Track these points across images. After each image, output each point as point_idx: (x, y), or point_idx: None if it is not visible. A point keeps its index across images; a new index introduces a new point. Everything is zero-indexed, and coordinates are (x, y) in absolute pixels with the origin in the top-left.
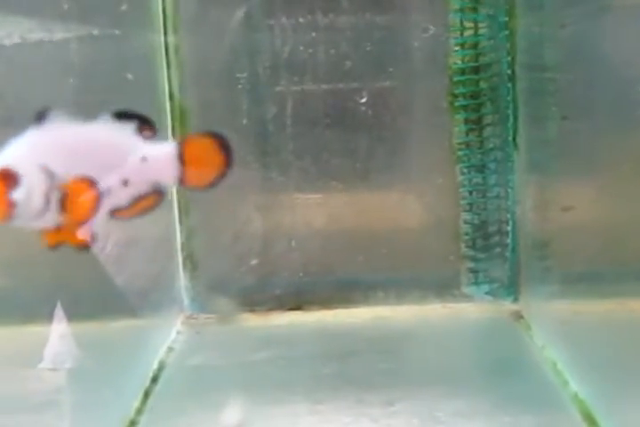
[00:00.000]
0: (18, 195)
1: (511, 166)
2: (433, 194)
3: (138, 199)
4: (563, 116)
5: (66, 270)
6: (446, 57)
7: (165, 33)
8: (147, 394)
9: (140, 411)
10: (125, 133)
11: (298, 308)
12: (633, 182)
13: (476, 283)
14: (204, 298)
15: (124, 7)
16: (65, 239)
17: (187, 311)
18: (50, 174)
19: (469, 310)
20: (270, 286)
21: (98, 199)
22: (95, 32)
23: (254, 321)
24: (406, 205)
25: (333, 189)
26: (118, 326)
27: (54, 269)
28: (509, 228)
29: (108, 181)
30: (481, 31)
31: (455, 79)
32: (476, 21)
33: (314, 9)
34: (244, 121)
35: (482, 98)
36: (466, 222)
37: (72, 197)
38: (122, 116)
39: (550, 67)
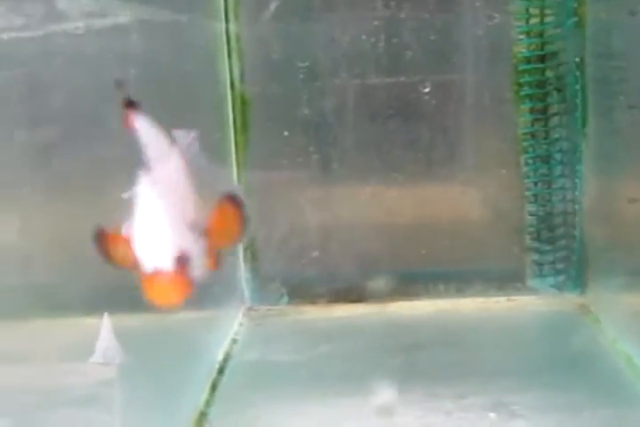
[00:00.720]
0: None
1: (579, 157)
2: (496, 185)
3: None
4: (630, 105)
5: None
6: (511, 45)
7: (227, 21)
8: (214, 386)
9: (208, 403)
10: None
11: (359, 300)
12: None
13: (541, 275)
14: (264, 290)
15: None
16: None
17: (247, 303)
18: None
19: (534, 304)
20: (331, 277)
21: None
22: (156, 19)
23: (315, 313)
24: (469, 196)
25: (394, 181)
26: (181, 318)
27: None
28: (576, 219)
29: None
30: (547, 19)
31: (520, 68)
32: (542, 8)
33: None
34: (305, 111)
35: (548, 87)
36: (531, 214)
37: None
38: None
39: (618, 55)
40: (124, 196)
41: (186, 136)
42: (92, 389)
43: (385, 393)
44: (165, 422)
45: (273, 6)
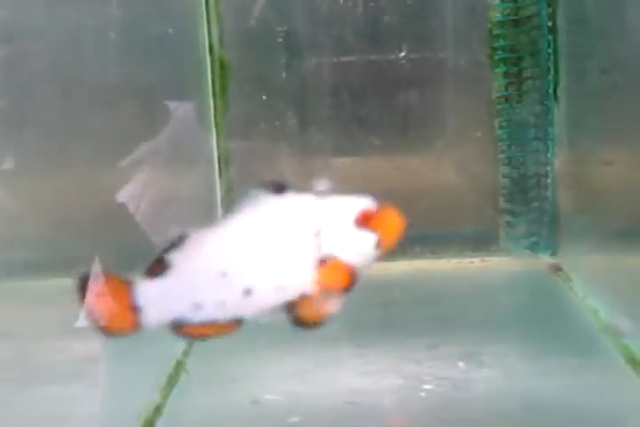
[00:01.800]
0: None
1: (551, 120)
2: (471, 148)
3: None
4: (603, 69)
5: (107, 227)
6: (486, 10)
7: None
8: None
9: (186, 352)
10: None
11: None
12: None
13: (515, 237)
14: None
15: None
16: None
17: None
18: None
19: (508, 264)
20: None
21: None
22: None
23: None
24: (445, 159)
25: (371, 145)
26: None
27: (97, 225)
28: (549, 181)
29: None
30: None
31: (495, 32)
32: None
33: None
34: (283, 75)
35: (521, 51)
36: (504, 176)
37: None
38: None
39: (591, 19)
40: (122, 164)
41: (182, 108)
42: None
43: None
44: (142, 371)
45: None
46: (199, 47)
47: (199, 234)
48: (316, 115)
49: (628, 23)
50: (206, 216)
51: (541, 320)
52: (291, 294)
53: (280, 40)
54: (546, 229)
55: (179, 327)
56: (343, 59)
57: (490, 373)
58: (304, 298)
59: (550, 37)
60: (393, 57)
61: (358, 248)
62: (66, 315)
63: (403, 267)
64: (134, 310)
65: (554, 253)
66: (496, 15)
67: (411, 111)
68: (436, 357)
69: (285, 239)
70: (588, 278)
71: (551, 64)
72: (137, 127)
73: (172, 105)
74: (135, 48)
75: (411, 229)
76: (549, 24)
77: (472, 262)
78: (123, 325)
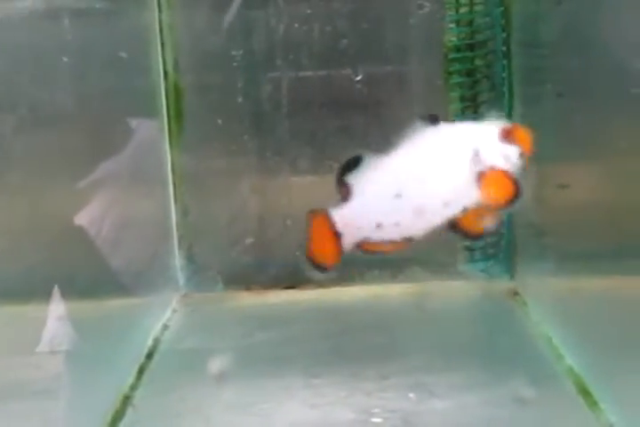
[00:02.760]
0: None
1: None
2: None
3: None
4: (558, 93)
5: (62, 250)
6: (442, 34)
7: (160, 10)
8: (141, 370)
9: (134, 387)
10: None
11: (294, 286)
12: (629, 160)
13: (473, 261)
14: (199, 277)
15: None
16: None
17: (182, 290)
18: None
19: (465, 288)
20: (266, 264)
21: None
22: (89, 8)
23: (250, 300)
24: None
25: (329, 169)
26: (114, 305)
27: (51, 248)
28: None
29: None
30: (476, 8)
31: (451, 56)
32: None
33: None
34: (239, 99)
35: (477, 75)
36: None
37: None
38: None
39: (546, 44)
40: (80, 185)
41: (145, 125)
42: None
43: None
44: (88, 405)
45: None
46: (153, 72)
47: (373, 158)
48: (273, 138)
49: (582, 47)
50: (162, 240)
51: (495, 348)
52: (456, 209)
53: (235, 64)
54: (503, 253)
55: (360, 244)
56: (300, 83)
57: (440, 404)
58: (467, 212)
59: (505, 62)
60: (350, 81)
61: (509, 160)
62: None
63: (359, 292)
64: (336, 236)
65: (511, 277)
66: (452, 39)
67: (368, 134)
68: (386, 387)
69: (448, 160)
70: (543, 303)
71: (506, 88)
72: (92, 150)
73: (135, 122)
74: (89, 72)
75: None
76: (504, 48)
77: (429, 287)
78: (333, 254)
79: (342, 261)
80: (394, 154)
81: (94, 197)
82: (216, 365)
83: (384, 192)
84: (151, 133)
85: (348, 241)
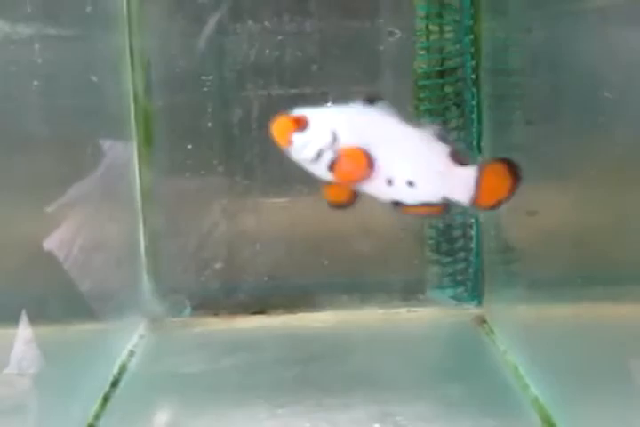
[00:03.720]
0: (296, 138)
1: None
2: None
3: (424, 203)
4: (527, 120)
5: (30, 273)
6: (412, 61)
7: (130, 35)
8: (106, 398)
9: (98, 415)
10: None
11: (262, 312)
12: (598, 187)
13: (441, 287)
14: (167, 301)
15: (88, 8)
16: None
17: (150, 315)
18: (333, 138)
19: (434, 315)
20: (234, 289)
21: (367, 168)
22: (59, 33)
23: (218, 325)
24: (371, 208)
25: (299, 193)
26: (80, 330)
27: (18, 272)
28: (473, 232)
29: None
30: (446, 35)
31: (420, 83)
32: (441, 25)
33: (281, 12)
34: (209, 124)
35: (447, 102)
36: (430, 226)
37: (344, 160)
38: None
39: (515, 71)
40: (49, 209)
41: (115, 147)
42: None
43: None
44: None
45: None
46: (124, 95)
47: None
48: (243, 164)
49: (551, 74)
50: (131, 263)
51: (462, 377)
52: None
53: (206, 89)
54: (471, 280)
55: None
56: (269, 108)
57: None
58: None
59: (474, 89)
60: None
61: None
62: None
63: (327, 318)
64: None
65: (479, 304)
66: (422, 66)
67: None
68: (352, 418)
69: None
70: (510, 331)
71: (475, 116)
72: (62, 173)
73: (105, 145)
74: (59, 95)
75: (338, 278)
76: (473, 76)
77: (398, 313)
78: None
79: (310, 288)
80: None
81: (64, 221)
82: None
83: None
84: (121, 156)
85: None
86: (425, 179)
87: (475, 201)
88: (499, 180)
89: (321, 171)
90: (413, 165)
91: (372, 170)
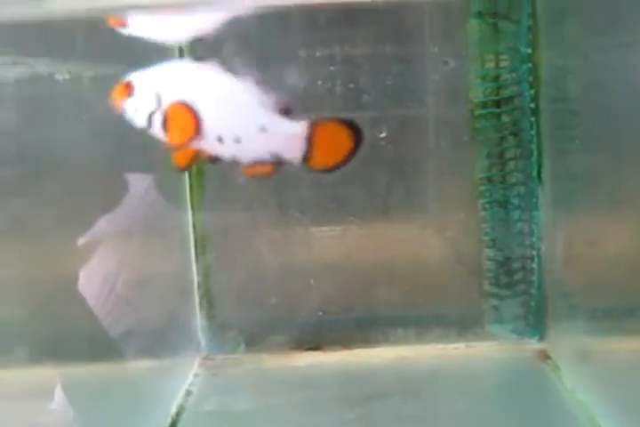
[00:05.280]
0: (127, 104)
1: (535, 202)
2: (454, 229)
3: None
4: (585, 149)
5: (78, 310)
6: (467, 90)
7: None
8: None
9: None
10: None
11: (317, 348)
12: None
13: (500, 321)
14: (220, 338)
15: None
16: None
17: (203, 352)
18: (158, 99)
19: (494, 350)
20: (288, 325)
21: (194, 124)
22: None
23: (272, 362)
24: (427, 240)
25: (352, 225)
26: (134, 368)
27: (67, 309)
28: (534, 265)
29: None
30: (502, 64)
31: (477, 113)
32: (497, 54)
33: (331, 42)
34: None
35: (503, 132)
36: (489, 259)
37: (170, 119)
38: None
39: (572, 99)
40: (81, 241)
41: (141, 181)
42: None
43: None
44: None
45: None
46: None
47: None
48: (295, 196)
49: (609, 101)
50: (183, 300)
51: (530, 418)
52: None
53: None
54: (532, 314)
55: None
56: None
57: None
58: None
59: (533, 118)
60: (374, 138)
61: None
62: None
63: (384, 354)
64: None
65: (541, 338)
66: (477, 95)
67: (392, 192)
68: None
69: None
70: (576, 367)
71: (534, 145)
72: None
73: (131, 178)
74: (108, 126)
75: (393, 311)
76: (532, 105)
77: (457, 348)
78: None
79: (365, 322)
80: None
81: (101, 255)
82: None
83: None
84: (149, 187)
85: None
86: (250, 134)
87: (307, 161)
88: (334, 139)
89: (160, 135)
90: (238, 121)
91: (201, 127)
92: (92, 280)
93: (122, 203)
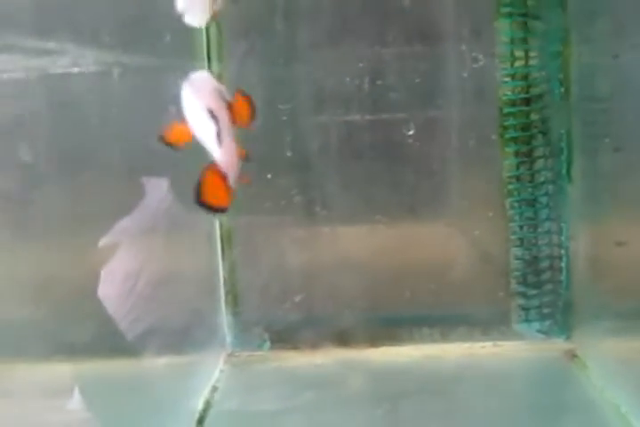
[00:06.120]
0: None
1: (564, 200)
2: (482, 228)
3: None
4: (615, 147)
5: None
6: (496, 88)
7: (209, 64)
8: None
9: None
10: None
11: (343, 345)
12: None
13: (527, 320)
14: (246, 335)
15: (167, 38)
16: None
17: (229, 349)
18: None
19: (521, 349)
20: (314, 322)
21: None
22: (137, 63)
23: (298, 359)
24: (454, 239)
25: (378, 224)
26: (161, 364)
27: (94, 305)
28: (562, 264)
29: None
30: (532, 61)
31: (505, 111)
32: (526, 51)
33: (359, 40)
34: (288, 153)
35: (532, 130)
36: (516, 258)
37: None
38: None
39: (602, 97)
40: (101, 245)
41: (156, 185)
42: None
43: None
44: None
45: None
46: None
47: None
48: (322, 194)
49: (637, 100)
50: (209, 297)
51: (560, 417)
52: None
53: (285, 118)
54: (560, 313)
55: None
56: (349, 137)
57: None
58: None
59: (563, 116)
60: (402, 135)
61: None
62: None
63: (411, 352)
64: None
65: (568, 338)
66: (506, 93)
67: (419, 190)
68: None
69: None
70: (606, 366)
71: (563, 143)
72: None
73: (147, 181)
74: (136, 123)
75: (419, 310)
76: (561, 103)
77: (484, 347)
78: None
79: (391, 321)
80: None
81: (122, 253)
82: None
83: None
84: (165, 190)
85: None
86: None
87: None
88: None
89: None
90: None
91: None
92: (114, 279)
93: (144, 200)
